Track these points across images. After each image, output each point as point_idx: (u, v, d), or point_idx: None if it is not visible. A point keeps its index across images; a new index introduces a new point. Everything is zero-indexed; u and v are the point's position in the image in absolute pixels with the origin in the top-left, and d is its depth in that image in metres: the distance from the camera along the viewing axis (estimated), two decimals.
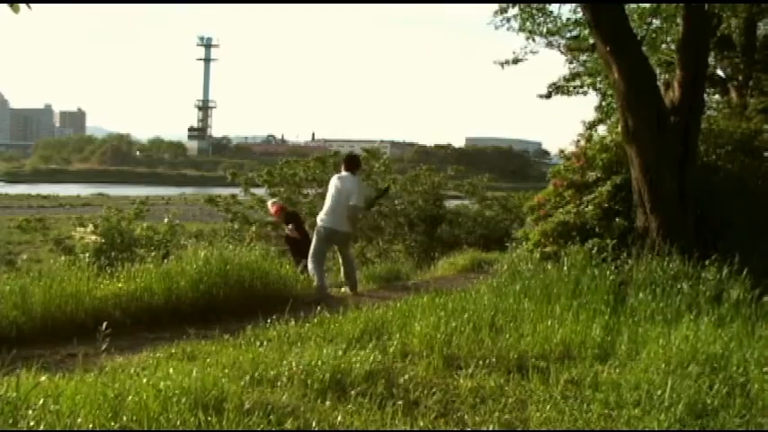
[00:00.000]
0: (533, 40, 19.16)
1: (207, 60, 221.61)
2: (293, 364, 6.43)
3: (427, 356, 7.18)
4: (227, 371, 6.37)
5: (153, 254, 12.25)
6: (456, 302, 9.39)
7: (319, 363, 6.42)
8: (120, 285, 10.08)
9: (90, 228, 14.65)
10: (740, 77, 20.33)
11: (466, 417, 5.79)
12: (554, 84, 20.51)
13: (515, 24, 18.89)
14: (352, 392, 6.00)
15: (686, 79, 12.19)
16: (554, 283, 10.21)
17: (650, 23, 16.23)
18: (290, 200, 23.21)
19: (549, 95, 20.58)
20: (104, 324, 6.66)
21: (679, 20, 13.35)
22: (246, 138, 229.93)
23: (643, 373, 6.67)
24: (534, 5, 18.41)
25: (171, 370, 6.15)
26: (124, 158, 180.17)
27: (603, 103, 20.22)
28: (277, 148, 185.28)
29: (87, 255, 12.61)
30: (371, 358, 6.74)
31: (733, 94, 20.43)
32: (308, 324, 8.59)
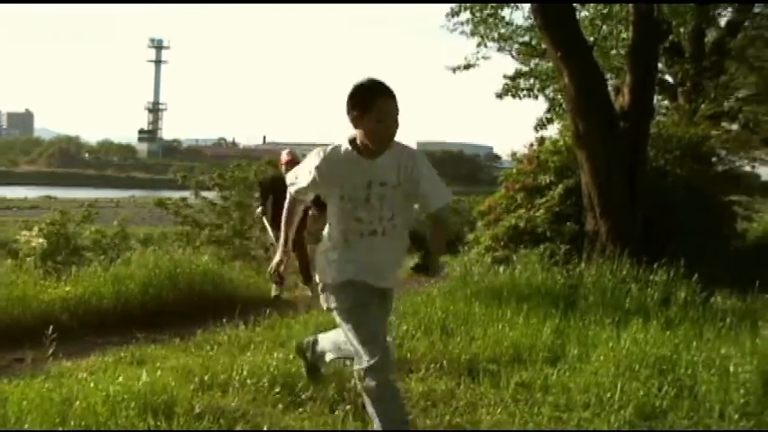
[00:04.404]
0: (485, 45, 19.23)
1: (158, 62, 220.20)
2: (244, 368, 6.40)
3: None
4: (176, 375, 6.31)
5: (102, 257, 12.14)
6: (407, 306, 9.40)
7: (270, 367, 6.39)
8: (67, 289, 9.96)
9: (35, 230, 14.45)
10: (689, 84, 20.59)
11: (417, 420, 5.79)
12: (505, 84, 20.52)
13: (467, 29, 18.97)
14: (303, 396, 5.98)
15: (636, 85, 12.31)
16: (504, 287, 10.25)
17: (601, 29, 16.36)
18: (242, 204, 23.08)
19: (501, 96, 20.59)
20: (51, 328, 6.57)
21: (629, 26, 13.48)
22: (197, 140, 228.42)
23: (593, 376, 6.70)
24: (486, 11, 18.49)
25: (120, 374, 6.09)
26: (73, 160, 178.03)
27: (554, 108, 20.34)
28: (228, 151, 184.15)
29: (32, 258, 12.42)
30: None
31: (682, 100, 20.70)
32: (258, 328, 8.56)
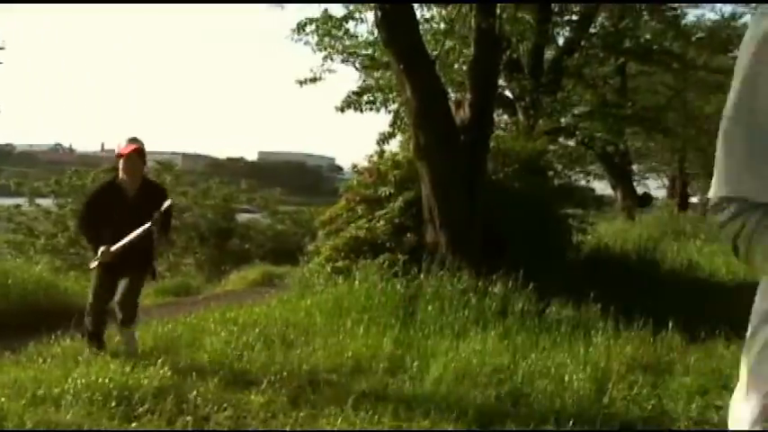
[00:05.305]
0: (331, 59, 19.24)
1: None
2: (78, 381, 6.21)
3: (218, 372, 7.07)
4: (6, 390, 6.08)
5: None
6: (247, 317, 9.32)
7: (106, 380, 6.22)
8: None
9: None
10: (527, 99, 21.10)
11: None
12: (348, 97, 20.59)
13: (313, 39, 18.95)
14: (141, 409, 5.85)
15: (476, 99, 12.52)
16: (345, 298, 10.26)
17: (443, 44, 16.61)
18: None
19: (342, 109, 20.63)
20: None
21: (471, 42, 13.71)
22: (32, 145, 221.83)
23: (433, 386, 6.77)
24: (331, 23, 18.52)
25: None
26: None
27: (397, 121, 20.53)
28: (64, 157, 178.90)
29: None
30: (160, 374, 6.59)
31: (521, 116, 21.18)
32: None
